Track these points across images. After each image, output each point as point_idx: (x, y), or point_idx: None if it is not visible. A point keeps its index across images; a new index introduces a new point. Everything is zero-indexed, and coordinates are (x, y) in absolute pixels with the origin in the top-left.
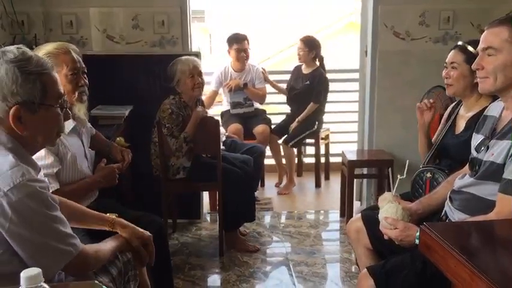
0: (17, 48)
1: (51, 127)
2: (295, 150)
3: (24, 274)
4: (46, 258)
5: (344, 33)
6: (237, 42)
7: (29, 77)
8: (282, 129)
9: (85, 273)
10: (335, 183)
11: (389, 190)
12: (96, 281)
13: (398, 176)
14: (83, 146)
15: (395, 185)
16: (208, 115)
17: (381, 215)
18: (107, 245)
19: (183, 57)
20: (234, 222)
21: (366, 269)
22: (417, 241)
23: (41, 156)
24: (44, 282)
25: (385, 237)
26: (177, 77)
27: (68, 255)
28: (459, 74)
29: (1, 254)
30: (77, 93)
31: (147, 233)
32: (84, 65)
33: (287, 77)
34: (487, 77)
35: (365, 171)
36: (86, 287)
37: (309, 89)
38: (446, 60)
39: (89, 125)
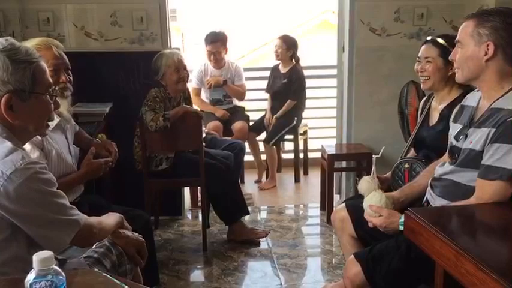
0: (5, 39)
1: (42, 115)
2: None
3: (36, 257)
4: (56, 232)
5: (317, 32)
6: (209, 43)
7: (19, 66)
8: (259, 126)
9: (92, 243)
10: (314, 177)
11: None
12: (95, 269)
13: (374, 156)
14: (67, 142)
15: (373, 165)
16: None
17: (365, 204)
18: (109, 219)
19: (167, 51)
20: (232, 212)
21: (352, 256)
22: (401, 227)
23: (27, 150)
24: (56, 265)
25: (370, 225)
26: (162, 70)
27: (75, 225)
28: (435, 68)
29: (1, 240)
30: (57, 89)
31: (141, 238)
32: (68, 62)
33: (265, 73)
34: (458, 68)
35: (344, 164)
36: (88, 276)
37: (287, 87)
38: (420, 55)
39: (72, 121)
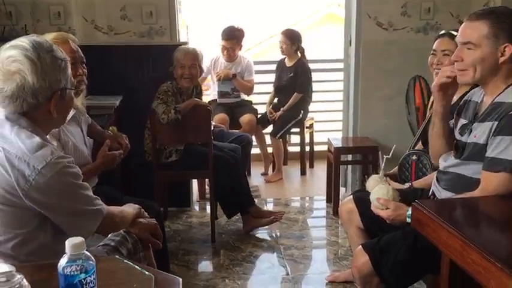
0: (39, 37)
1: (70, 109)
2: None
3: (68, 242)
4: (83, 221)
5: (323, 25)
6: (224, 39)
7: (64, 65)
8: (266, 119)
9: (114, 231)
10: (320, 170)
11: (376, 173)
12: (116, 256)
13: (384, 156)
14: (83, 134)
15: (382, 165)
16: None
17: (373, 196)
18: (129, 209)
19: (185, 46)
20: (241, 204)
21: (360, 246)
22: (408, 219)
23: None
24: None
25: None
26: (174, 63)
27: (100, 214)
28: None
29: (29, 231)
30: (75, 81)
31: (153, 221)
32: (82, 55)
33: (272, 67)
34: (466, 70)
35: (349, 158)
36: (110, 262)
37: (293, 80)
38: (435, 48)
39: (86, 114)
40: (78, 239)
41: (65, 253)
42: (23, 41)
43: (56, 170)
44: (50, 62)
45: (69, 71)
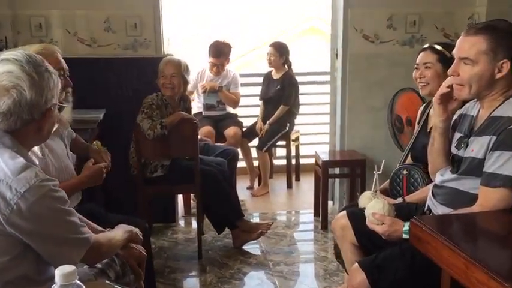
0: (28, 52)
1: (54, 125)
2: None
3: (59, 271)
4: (66, 250)
5: (304, 37)
6: (213, 56)
7: (57, 80)
8: (252, 132)
9: (100, 260)
10: (306, 183)
11: (363, 188)
12: (107, 281)
13: (376, 172)
14: (66, 148)
15: (374, 181)
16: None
17: (368, 211)
18: (118, 235)
19: (170, 57)
20: (231, 217)
21: (356, 264)
22: (405, 235)
23: None
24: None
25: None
26: (159, 74)
27: (86, 243)
28: (434, 73)
29: (11, 259)
30: (64, 93)
31: (144, 253)
32: (67, 67)
33: (257, 79)
34: (462, 85)
35: (337, 171)
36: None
37: (280, 93)
38: (418, 62)
39: (69, 128)
40: (70, 268)
41: (45, 283)
42: (17, 55)
43: (40, 194)
44: (47, 77)
45: (59, 86)
